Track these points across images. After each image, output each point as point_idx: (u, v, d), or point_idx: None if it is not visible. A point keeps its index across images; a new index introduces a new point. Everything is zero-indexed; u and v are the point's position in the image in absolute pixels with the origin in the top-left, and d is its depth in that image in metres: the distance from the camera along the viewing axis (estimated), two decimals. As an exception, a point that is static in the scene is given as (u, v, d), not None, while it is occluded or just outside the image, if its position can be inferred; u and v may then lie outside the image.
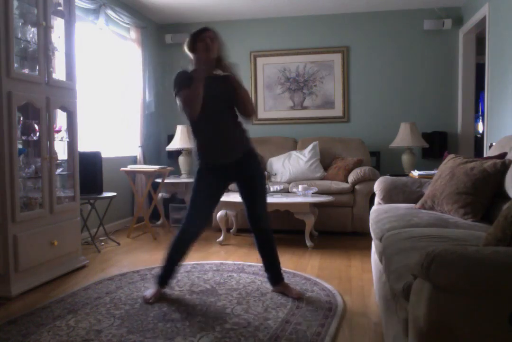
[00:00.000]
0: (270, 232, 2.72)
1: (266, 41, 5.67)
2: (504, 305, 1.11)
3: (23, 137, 2.94)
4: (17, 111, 2.81)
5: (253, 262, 3.41)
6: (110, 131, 4.89)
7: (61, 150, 3.48)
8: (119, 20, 4.75)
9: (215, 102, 2.52)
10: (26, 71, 2.97)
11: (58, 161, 3.24)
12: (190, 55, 2.59)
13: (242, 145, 2.63)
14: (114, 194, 4.01)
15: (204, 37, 2.51)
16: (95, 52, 4.55)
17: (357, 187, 4.38)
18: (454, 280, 1.13)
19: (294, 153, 4.96)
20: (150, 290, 2.65)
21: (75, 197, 3.36)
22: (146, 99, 5.35)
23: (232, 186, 3.36)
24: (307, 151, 4.89)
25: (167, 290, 2.72)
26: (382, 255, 2.11)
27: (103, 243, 4.13)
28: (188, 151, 5.25)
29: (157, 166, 4.62)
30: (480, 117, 6.24)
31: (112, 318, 2.34)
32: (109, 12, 4.51)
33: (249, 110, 2.62)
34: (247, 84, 5.62)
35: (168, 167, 4.77)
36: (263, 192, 2.70)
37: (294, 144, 5.24)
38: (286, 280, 2.83)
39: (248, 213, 2.69)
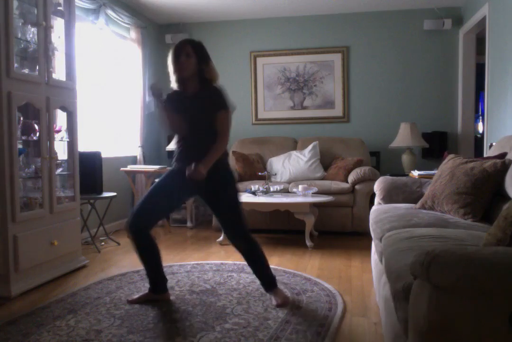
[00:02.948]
0: (249, 242, 2.53)
1: (266, 41, 5.66)
2: (504, 305, 1.11)
3: (23, 137, 2.94)
4: (17, 111, 2.81)
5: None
6: (110, 131, 4.89)
7: (61, 150, 3.48)
8: (119, 20, 4.75)
9: (190, 119, 2.49)
10: (26, 71, 2.97)
11: (58, 161, 3.24)
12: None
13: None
14: (114, 194, 4.01)
15: (179, 54, 2.47)
16: (95, 52, 4.55)
17: (357, 187, 4.37)
18: (454, 280, 1.13)
19: (294, 153, 4.96)
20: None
21: (75, 197, 3.36)
22: (146, 99, 5.35)
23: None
24: (307, 151, 4.89)
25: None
26: (382, 255, 2.11)
27: (103, 243, 4.13)
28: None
29: (157, 167, 4.62)
30: (480, 117, 6.24)
31: (112, 318, 2.34)
32: (109, 12, 4.51)
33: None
34: (247, 84, 5.68)
35: (168, 167, 4.75)
36: (229, 206, 2.50)
37: (294, 144, 5.23)
38: (286, 280, 2.86)
39: (222, 227, 2.64)
